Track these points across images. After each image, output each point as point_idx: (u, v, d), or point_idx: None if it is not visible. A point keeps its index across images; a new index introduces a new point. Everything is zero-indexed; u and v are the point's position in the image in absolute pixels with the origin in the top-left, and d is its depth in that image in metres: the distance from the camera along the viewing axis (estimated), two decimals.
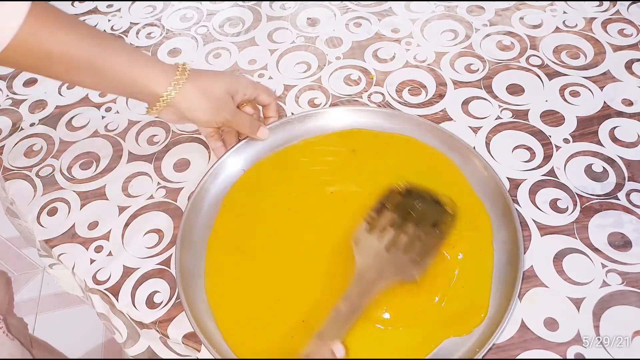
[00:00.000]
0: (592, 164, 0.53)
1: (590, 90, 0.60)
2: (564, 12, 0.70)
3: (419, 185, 0.48)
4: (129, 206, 0.54)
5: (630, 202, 0.50)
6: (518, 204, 0.50)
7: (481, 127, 0.57)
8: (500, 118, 0.58)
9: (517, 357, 0.41)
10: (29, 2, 0.40)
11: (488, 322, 0.42)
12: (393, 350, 0.42)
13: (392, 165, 0.53)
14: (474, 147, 0.53)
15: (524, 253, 0.46)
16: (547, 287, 0.45)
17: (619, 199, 0.50)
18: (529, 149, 0.55)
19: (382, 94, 0.62)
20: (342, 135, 0.56)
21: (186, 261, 0.47)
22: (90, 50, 0.43)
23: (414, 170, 0.52)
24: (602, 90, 0.60)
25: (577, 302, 0.44)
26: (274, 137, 0.55)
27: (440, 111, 0.59)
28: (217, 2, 0.77)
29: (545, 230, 0.49)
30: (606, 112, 0.58)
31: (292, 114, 0.58)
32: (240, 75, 0.63)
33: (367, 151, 0.54)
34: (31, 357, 0.66)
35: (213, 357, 0.41)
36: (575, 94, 0.60)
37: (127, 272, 0.49)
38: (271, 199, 0.51)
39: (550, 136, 0.56)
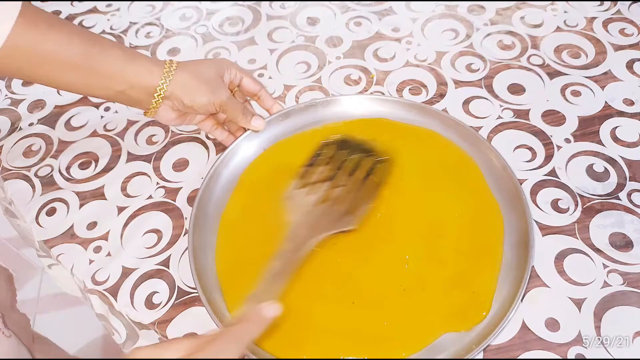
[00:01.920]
0: (593, 164, 0.53)
1: (591, 89, 0.60)
2: (565, 12, 0.70)
3: (353, 136, 0.48)
4: (127, 206, 0.54)
5: (631, 202, 0.50)
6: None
7: (482, 126, 0.57)
8: (501, 118, 0.58)
9: (518, 358, 0.41)
10: (19, 3, 0.40)
11: (488, 321, 0.42)
12: (393, 334, 0.42)
13: (410, 157, 0.53)
14: (495, 148, 0.53)
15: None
16: (548, 287, 0.45)
17: (620, 199, 0.50)
18: (530, 148, 0.55)
19: (383, 94, 0.62)
20: (364, 123, 0.56)
21: (199, 235, 0.47)
22: (82, 47, 0.43)
23: (433, 165, 0.52)
24: (603, 89, 0.60)
25: (578, 303, 0.44)
26: (295, 120, 0.56)
27: (442, 110, 0.59)
28: (216, 1, 0.77)
29: (546, 230, 0.48)
30: (607, 112, 0.58)
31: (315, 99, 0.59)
32: (222, 58, 0.65)
33: (386, 141, 0.54)
34: (29, 355, 0.65)
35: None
36: (576, 93, 0.60)
37: (126, 272, 0.49)
38: (287, 178, 0.51)
39: (551, 136, 0.56)
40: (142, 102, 0.48)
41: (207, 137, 0.59)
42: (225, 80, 0.51)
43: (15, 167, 0.58)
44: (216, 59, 0.56)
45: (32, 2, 0.79)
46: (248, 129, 0.54)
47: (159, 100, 0.47)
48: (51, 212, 0.54)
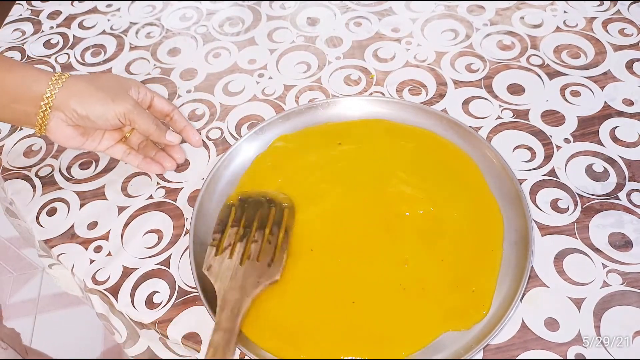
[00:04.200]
0: (592, 164, 0.53)
1: (590, 90, 0.60)
2: (565, 12, 0.70)
3: (250, 192, 0.50)
4: (128, 206, 0.54)
5: (630, 202, 0.50)
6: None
7: (482, 127, 0.57)
8: (501, 118, 0.58)
9: (517, 357, 0.41)
10: None
11: (488, 320, 0.42)
12: (393, 334, 0.42)
13: (410, 157, 0.54)
14: (495, 148, 0.53)
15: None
16: (547, 287, 0.45)
17: (619, 199, 0.50)
18: (529, 148, 0.55)
19: (383, 94, 0.62)
20: (364, 124, 0.57)
21: (199, 235, 0.48)
22: None
23: (433, 165, 0.53)
24: (602, 90, 0.60)
25: (578, 302, 0.44)
26: (295, 121, 0.57)
27: (441, 111, 0.59)
28: (216, 1, 0.77)
29: (546, 230, 0.49)
30: (607, 112, 0.58)
31: (315, 100, 0.60)
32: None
33: (386, 141, 0.55)
34: None
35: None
36: (575, 93, 0.60)
37: (127, 272, 0.49)
38: (288, 178, 0.52)
39: (550, 136, 0.56)
40: (30, 116, 0.43)
41: (208, 138, 0.59)
42: (131, 96, 0.47)
43: (15, 167, 0.58)
44: (120, 76, 0.51)
45: (32, 2, 0.80)
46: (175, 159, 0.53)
47: (47, 110, 0.42)
48: (52, 212, 0.54)
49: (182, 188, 0.55)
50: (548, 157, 0.54)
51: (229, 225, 0.48)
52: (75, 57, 0.70)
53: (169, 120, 0.52)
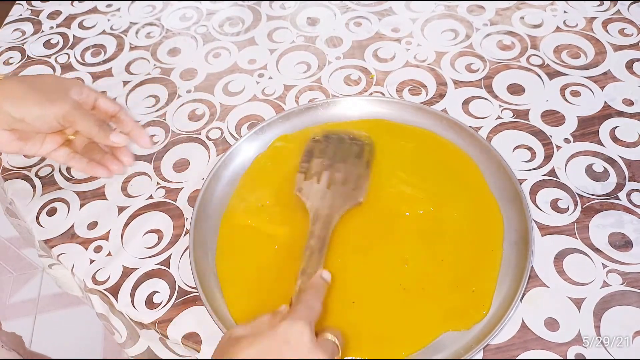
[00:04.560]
0: (592, 164, 0.53)
1: (590, 90, 0.60)
2: (565, 12, 0.70)
3: (334, 129, 0.55)
4: (128, 206, 0.54)
5: (630, 202, 0.50)
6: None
7: (482, 127, 0.57)
8: (501, 118, 0.58)
9: (517, 357, 0.41)
10: None
11: (488, 320, 0.42)
12: (393, 334, 0.43)
13: (410, 157, 0.54)
14: (495, 148, 0.53)
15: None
16: (547, 287, 0.45)
17: (619, 199, 0.50)
18: (529, 148, 0.55)
19: (383, 94, 0.62)
20: (363, 124, 0.57)
21: (199, 235, 0.48)
22: None
23: (433, 165, 0.53)
24: (602, 90, 0.60)
25: (578, 302, 0.44)
26: (295, 121, 0.57)
27: (441, 111, 0.59)
28: (216, 1, 0.77)
29: (546, 230, 0.49)
30: (607, 112, 0.58)
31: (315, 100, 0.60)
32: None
33: (386, 141, 0.55)
34: None
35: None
36: (575, 93, 0.60)
37: (127, 272, 0.49)
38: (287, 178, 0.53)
39: (550, 136, 0.56)
40: None
41: (208, 138, 0.59)
42: (72, 97, 0.44)
43: (15, 167, 0.58)
44: (60, 76, 0.47)
45: (32, 2, 0.80)
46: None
47: None
48: (52, 212, 0.54)
49: (182, 188, 0.55)
50: (548, 157, 0.54)
51: (315, 156, 0.52)
52: (75, 57, 0.70)
53: (116, 122, 0.49)
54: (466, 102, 0.60)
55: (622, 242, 0.47)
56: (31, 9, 0.79)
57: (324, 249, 0.45)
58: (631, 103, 0.58)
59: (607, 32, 0.67)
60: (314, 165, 0.52)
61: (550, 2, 0.72)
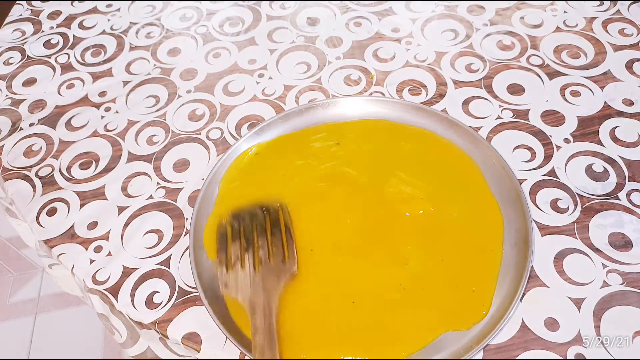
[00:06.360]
0: (592, 164, 0.53)
1: (590, 90, 0.60)
2: (565, 12, 0.70)
3: (239, 206, 0.50)
4: (128, 206, 0.54)
5: (630, 202, 0.50)
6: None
7: (481, 127, 0.57)
8: (501, 118, 0.58)
9: (517, 357, 0.41)
10: None
11: (488, 320, 0.42)
12: (393, 334, 0.42)
13: (409, 157, 0.54)
14: (495, 148, 0.53)
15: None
16: (547, 287, 0.45)
17: (619, 199, 0.50)
18: (529, 148, 0.55)
19: (383, 94, 0.62)
20: (363, 124, 0.57)
21: (199, 235, 0.48)
22: None
23: (432, 165, 0.53)
24: (602, 90, 0.60)
25: (578, 302, 0.44)
26: (295, 121, 0.57)
27: (441, 111, 0.59)
28: (216, 1, 0.77)
29: (545, 230, 0.49)
30: (607, 112, 0.58)
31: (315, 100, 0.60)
32: None
33: (386, 141, 0.55)
34: None
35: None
36: (575, 93, 0.60)
37: (127, 272, 0.49)
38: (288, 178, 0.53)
39: (550, 136, 0.56)
40: None
41: (208, 138, 0.59)
42: None
43: (15, 167, 0.58)
44: None
45: (32, 2, 0.80)
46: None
47: None
48: (52, 212, 0.54)
49: (182, 188, 0.55)
50: (548, 157, 0.54)
51: (230, 241, 0.47)
52: (75, 57, 0.70)
53: None
54: (466, 102, 0.60)
55: (622, 242, 0.47)
56: (31, 9, 0.79)
57: (274, 341, 0.40)
58: (631, 103, 0.58)
59: (607, 32, 0.67)
60: (232, 251, 0.46)
61: (550, 2, 0.72)
